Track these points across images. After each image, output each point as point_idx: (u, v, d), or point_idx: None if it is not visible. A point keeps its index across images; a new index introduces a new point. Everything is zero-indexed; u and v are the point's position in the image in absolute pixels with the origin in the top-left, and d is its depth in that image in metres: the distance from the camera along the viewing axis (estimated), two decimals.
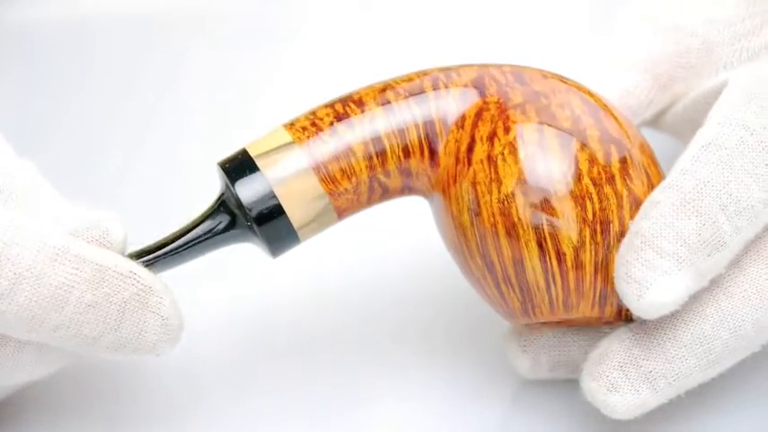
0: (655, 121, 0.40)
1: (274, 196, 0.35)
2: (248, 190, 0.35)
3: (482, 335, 0.41)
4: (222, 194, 0.36)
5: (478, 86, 0.36)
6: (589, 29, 0.52)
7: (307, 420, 0.39)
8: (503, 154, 0.34)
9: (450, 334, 0.41)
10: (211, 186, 0.44)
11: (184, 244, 0.35)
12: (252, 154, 0.35)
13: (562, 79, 0.36)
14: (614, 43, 0.40)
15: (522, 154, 0.34)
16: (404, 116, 0.36)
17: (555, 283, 0.35)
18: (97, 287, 0.33)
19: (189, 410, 0.39)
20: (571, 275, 0.35)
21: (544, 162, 0.34)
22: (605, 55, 0.40)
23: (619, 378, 0.34)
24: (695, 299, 0.34)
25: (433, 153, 0.36)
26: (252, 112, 0.52)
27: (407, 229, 0.44)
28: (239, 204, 0.35)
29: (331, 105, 0.36)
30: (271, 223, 0.35)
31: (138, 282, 0.34)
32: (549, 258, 0.34)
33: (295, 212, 0.35)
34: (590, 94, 0.36)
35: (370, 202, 0.36)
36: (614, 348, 0.35)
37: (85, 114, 0.53)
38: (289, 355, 0.41)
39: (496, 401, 0.38)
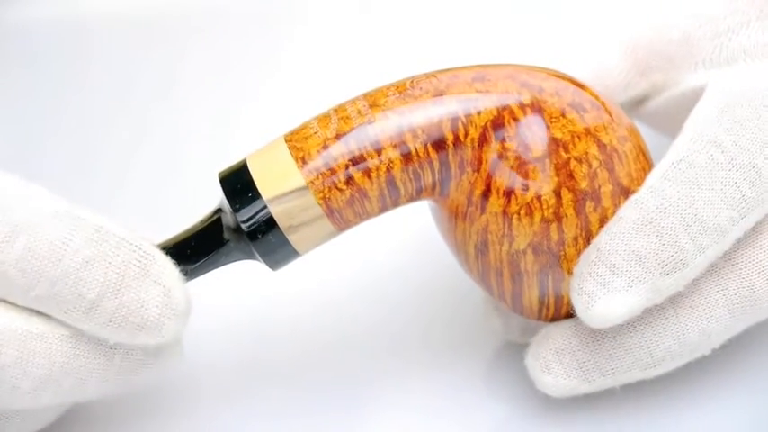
0: (635, 109, 0.40)
1: (288, 241, 0.34)
2: (261, 238, 0.34)
3: (484, 342, 0.40)
4: (220, 212, 0.35)
5: (497, 128, 0.34)
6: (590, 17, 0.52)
7: (307, 427, 0.39)
8: (519, 214, 0.34)
9: (451, 342, 0.41)
10: (210, 187, 0.44)
11: (192, 272, 0.35)
12: (264, 195, 0.34)
13: (583, 100, 0.35)
14: (600, 23, 0.41)
15: (538, 217, 0.34)
16: (422, 163, 0.34)
17: (548, 310, 0.36)
18: (95, 245, 0.33)
19: (187, 419, 0.39)
20: (564, 309, 0.36)
21: (558, 229, 0.34)
22: (590, 32, 0.40)
23: (553, 361, 0.35)
24: None
25: (444, 189, 0.35)
26: (251, 112, 0.52)
27: (407, 231, 0.44)
28: (240, 231, 0.34)
29: (345, 142, 0.34)
30: (274, 252, 0.35)
31: (138, 248, 0.33)
32: (548, 299, 0.36)
33: (305, 247, 0.35)
34: (609, 117, 0.35)
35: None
36: (555, 334, 0.36)
37: (84, 114, 0.53)
38: (288, 362, 0.41)
39: (499, 411, 0.38)
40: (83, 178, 0.49)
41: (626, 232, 0.33)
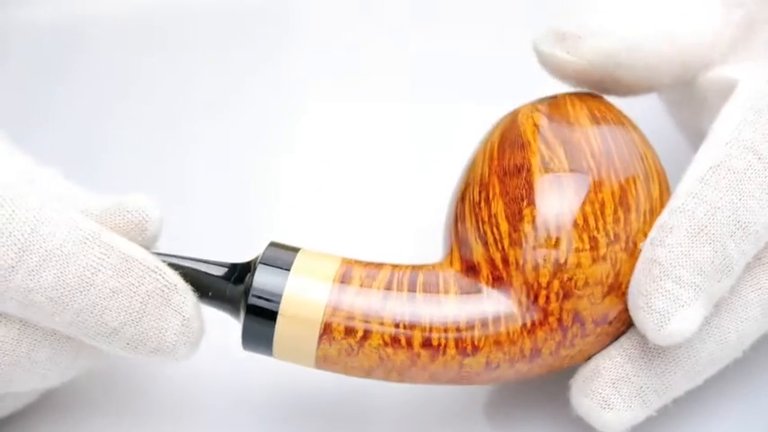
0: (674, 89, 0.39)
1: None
2: (252, 339, 0.34)
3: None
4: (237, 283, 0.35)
5: (534, 352, 0.34)
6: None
7: None
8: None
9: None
10: (209, 188, 0.44)
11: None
12: (275, 354, 0.34)
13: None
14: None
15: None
16: None
17: None
18: (122, 275, 0.33)
19: None
20: None
21: None
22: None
23: (612, 395, 0.34)
24: None
25: None
26: (251, 114, 0.52)
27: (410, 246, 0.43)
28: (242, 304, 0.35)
29: (368, 374, 0.35)
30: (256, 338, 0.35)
31: (162, 278, 0.34)
32: None
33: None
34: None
35: None
36: (606, 366, 0.35)
37: (83, 116, 0.53)
38: (288, 379, 0.40)
39: None
40: (81, 180, 0.49)
41: (683, 243, 0.33)
